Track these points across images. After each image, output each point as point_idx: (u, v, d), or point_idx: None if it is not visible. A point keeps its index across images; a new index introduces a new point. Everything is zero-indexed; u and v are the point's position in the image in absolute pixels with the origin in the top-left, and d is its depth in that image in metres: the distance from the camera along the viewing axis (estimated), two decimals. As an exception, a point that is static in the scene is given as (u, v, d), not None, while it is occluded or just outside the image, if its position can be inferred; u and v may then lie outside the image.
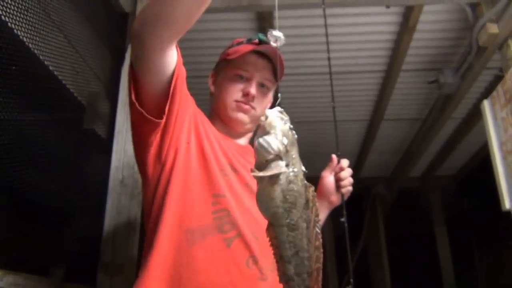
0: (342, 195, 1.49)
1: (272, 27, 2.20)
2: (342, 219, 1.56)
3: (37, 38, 1.42)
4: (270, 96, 1.41)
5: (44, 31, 1.46)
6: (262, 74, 1.34)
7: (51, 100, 1.60)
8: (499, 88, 1.83)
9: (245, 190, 1.22)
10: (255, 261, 1.11)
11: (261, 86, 1.35)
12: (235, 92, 1.33)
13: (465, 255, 4.15)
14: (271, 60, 1.35)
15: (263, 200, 0.75)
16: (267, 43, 1.31)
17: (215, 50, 2.40)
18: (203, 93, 2.61)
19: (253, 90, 1.32)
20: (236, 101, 1.32)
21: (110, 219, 1.78)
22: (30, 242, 1.49)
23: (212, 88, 1.41)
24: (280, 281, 0.78)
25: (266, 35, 1.32)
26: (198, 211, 1.14)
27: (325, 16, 1.42)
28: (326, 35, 1.41)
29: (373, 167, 3.95)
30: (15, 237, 1.41)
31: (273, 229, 0.76)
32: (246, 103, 1.32)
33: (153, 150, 1.14)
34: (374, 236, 4.37)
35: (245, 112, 1.33)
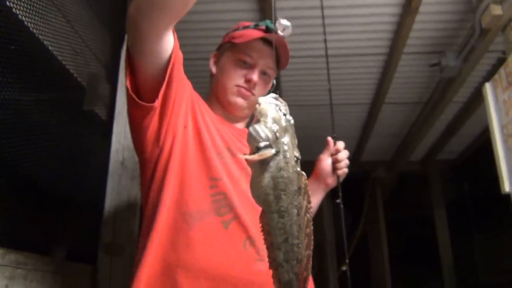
0: (338, 177, 1.50)
1: (271, 6, 2.18)
2: (338, 201, 1.58)
3: (36, 18, 1.40)
4: (270, 84, 1.41)
5: (43, 11, 1.45)
6: (265, 62, 1.35)
7: (50, 80, 1.59)
8: (501, 70, 1.81)
9: (242, 174, 1.23)
10: (252, 243, 1.12)
11: (263, 74, 1.36)
12: (237, 77, 1.33)
13: (464, 239, 4.18)
14: (275, 48, 1.34)
15: (254, 187, 0.75)
16: (273, 31, 1.32)
17: (214, 32, 2.40)
18: (201, 75, 2.61)
19: (255, 77, 1.32)
20: (238, 86, 1.33)
21: (110, 200, 1.79)
22: (31, 221, 1.50)
23: (213, 69, 1.41)
24: (270, 267, 0.78)
25: (273, 22, 1.33)
26: (196, 194, 1.14)
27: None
28: (323, 16, 1.42)
29: (374, 151, 3.95)
30: (16, 217, 1.42)
31: (265, 215, 0.76)
32: (247, 90, 1.33)
33: (150, 134, 1.15)
34: (373, 220, 4.40)
35: (244, 98, 1.33)
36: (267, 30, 1.35)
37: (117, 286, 1.72)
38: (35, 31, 1.44)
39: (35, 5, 1.40)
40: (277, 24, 1.37)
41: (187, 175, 1.16)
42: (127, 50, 1.08)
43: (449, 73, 2.36)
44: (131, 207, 1.80)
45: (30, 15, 1.37)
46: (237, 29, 1.40)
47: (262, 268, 1.18)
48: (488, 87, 1.92)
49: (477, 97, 2.74)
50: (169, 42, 1.06)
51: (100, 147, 1.83)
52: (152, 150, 1.16)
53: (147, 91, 1.10)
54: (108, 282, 1.72)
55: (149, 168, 1.18)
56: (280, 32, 1.35)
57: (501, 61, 1.83)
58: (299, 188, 0.76)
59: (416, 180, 4.36)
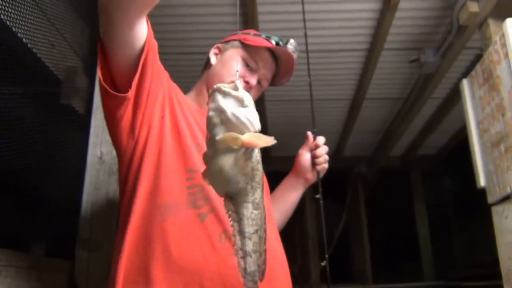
0: (318, 172, 1.51)
1: (254, 3, 2.18)
2: (317, 196, 1.59)
3: (10, 9, 1.38)
4: (259, 95, 1.44)
5: (17, 2, 1.42)
6: (265, 73, 1.38)
7: (25, 74, 1.56)
8: (478, 67, 1.84)
9: None
10: (228, 236, 1.11)
11: (258, 83, 1.38)
12: (237, 74, 1.34)
13: (443, 233, 4.25)
14: (276, 64, 1.41)
15: (233, 173, 0.74)
16: (282, 47, 1.37)
17: (196, 26, 2.39)
18: (184, 70, 2.59)
19: (254, 81, 1.35)
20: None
21: (88, 195, 1.77)
22: (9, 218, 1.47)
23: (212, 60, 1.40)
24: (236, 255, 0.78)
25: (282, 39, 1.40)
26: (172, 186, 1.13)
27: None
28: (303, 12, 1.44)
29: (355, 146, 3.98)
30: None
31: (235, 203, 0.76)
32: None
33: (124, 125, 1.13)
34: (355, 214, 4.44)
35: None
36: (277, 45, 1.38)
37: (94, 281, 1.71)
38: (8, 22, 1.41)
39: (8, -4, 1.37)
40: (290, 43, 1.42)
41: (163, 166, 1.15)
42: (100, 40, 1.06)
43: (428, 69, 2.38)
44: (109, 202, 1.79)
45: (3, 6, 1.34)
46: (249, 33, 1.42)
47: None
48: (465, 83, 1.95)
49: (456, 93, 2.77)
50: (142, 31, 1.04)
51: (78, 141, 1.81)
52: (128, 142, 1.15)
53: (121, 81, 1.09)
54: (85, 277, 1.71)
55: (125, 160, 1.17)
56: (291, 51, 1.40)
57: (479, 58, 1.86)
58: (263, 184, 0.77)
59: (397, 175, 4.41)
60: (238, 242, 0.76)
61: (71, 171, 1.79)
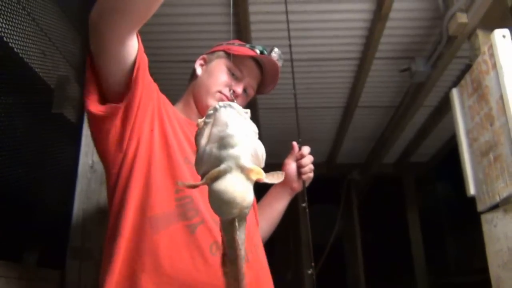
0: (303, 181, 1.53)
1: (246, 10, 2.20)
2: (304, 205, 1.60)
3: (0, 18, 1.38)
4: (245, 103, 1.45)
5: (8, 10, 1.43)
6: (251, 81, 1.41)
7: (16, 82, 1.56)
8: (467, 77, 1.86)
9: None
10: (219, 247, 1.12)
11: (244, 91, 1.40)
12: (222, 84, 1.36)
13: (436, 240, 4.26)
14: (261, 73, 1.44)
15: (247, 198, 0.72)
16: (266, 55, 1.40)
17: (190, 34, 2.40)
18: (178, 78, 2.60)
19: (240, 89, 1.38)
20: (220, 92, 1.35)
21: (79, 204, 1.77)
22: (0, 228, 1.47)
23: (198, 71, 1.42)
24: (233, 263, 0.78)
25: (266, 49, 1.43)
26: (161, 199, 1.14)
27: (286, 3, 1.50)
28: (287, 21, 1.48)
29: (348, 154, 3.99)
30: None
31: (234, 228, 0.75)
32: (228, 98, 1.35)
33: (112, 138, 1.14)
34: (348, 221, 4.45)
35: None
36: (261, 54, 1.40)
37: (85, 291, 1.70)
38: (1, 33, 1.41)
39: (-2, 5, 1.38)
40: (274, 51, 1.45)
41: (152, 180, 1.15)
42: (89, 54, 1.07)
43: (419, 78, 2.40)
44: (101, 211, 1.78)
45: (-7, 16, 1.35)
46: (233, 43, 1.44)
47: (229, 274, 1.20)
48: (455, 93, 1.97)
49: (447, 102, 2.79)
50: (133, 47, 1.05)
51: (69, 150, 1.81)
52: (115, 154, 1.15)
53: (110, 95, 1.10)
54: (76, 286, 1.70)
55: (113, 173, 1.17)
56: (276, 59, 1.42)
57: (468, 67, 1.88)
58: None
59: (390, 182, 4.43)
60: (234, 267, 0.74)
61: (62, 180, 1.79)
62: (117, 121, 1.12)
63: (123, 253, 1.09)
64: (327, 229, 4.19)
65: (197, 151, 0.75)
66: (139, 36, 1.08)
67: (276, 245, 4.48)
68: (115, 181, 1.16)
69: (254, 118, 3.10)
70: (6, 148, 1.48)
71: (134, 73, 1.07)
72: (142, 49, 1.10)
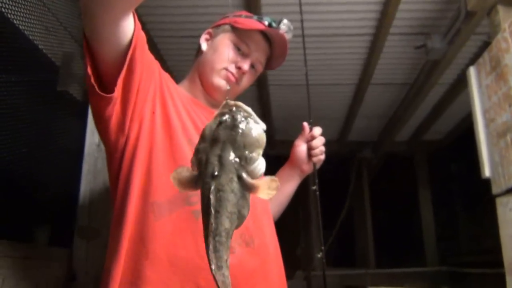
0: (314, 164, 1.48)
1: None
2: (314, 187, 1.56)
3: (3, -4, 1.34)
4: (254, 79, 1.39)
5: (9, -14, 1.39)
6: (259, 56, 1.34)
7: (20, 60, 1.53)
8: (485, 55, 1.78)
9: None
10: None
11: (252, 67, 1.33)
12: (228, 60, 1.30)
13: (447, 218, 4.22)
14: (270, 46, 1.35)
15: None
16: (275, 28, 1.32)
17: (197, 9, 2.34)
18: (187, 54, 2.54)
19: (246, 66, 1.30)
20: (226, 69, 1.29)
21: (86, 183, 1.75)
22: (10, 208, 1.46)
23: (203, 46, 1.36)
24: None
25: (275, 20, 1.34)
26: (164, 184, 1.10)
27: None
28: None
29: (360, 132, 3.93)
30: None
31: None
32: (234, 76, 1.29)
33: (113, 123, 1.10)
34: (359, 199, 4.42)
35: (229, 83, 1.30)
36: (270, 26, 1.33)
37: (93, 269, 1.71)
38: (3, 9, 1.38)
39: (0, -19, 1.33)
40: (282, 23, 1.37)
41: (154, 164, 1.12)
42: (85, 37, 1.02)
43: (435, 55, 2.32)
44: (107, 190, 1.76)
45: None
46: (240, 16, 1.37)
47: (233, 261, 1.17)
48: (472, 71, 1.89)
49: (463, 79, 2.71)
50: (129, 27, 0.99)
51: (75, 128, 1.79)
52: (117, 140, 1.12)
53: (110, 78, 1.05)
54: (84, 265, 1.71)
55: (115, 158, 1.14)
56: (284, 32, 1.34)
57: (486, 44, 1.80)
58: None
59: (402, 160, 4.37)
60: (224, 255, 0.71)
61: (69, 159, 1.77)
62: (117, 107, 1.08)
63: (127, 241, 1.07)
64: (337, 205, 4.19)
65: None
66: (135, 14, 1.02)
67: (285, 220, 4.47)
68: (118, 166, 1.13)
69: (264, 94, 3.05)
70: (10, 127, 1.46)
71: (129, 54, 1.01)
72: (139, 27, 1.04)
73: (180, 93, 1.27)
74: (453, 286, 3.63)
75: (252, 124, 0.67)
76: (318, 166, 1.51)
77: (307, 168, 1.50)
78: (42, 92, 1.66)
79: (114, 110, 1.09)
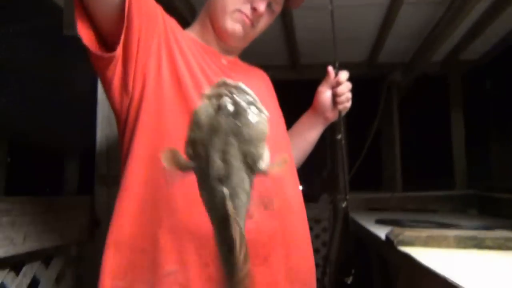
0: (339, 111, 1.40)
1: None
2: (339, 137, 1.48)
3: None
4: (272, 20, 1.26)
5: None
6: None
7: (21, 4, 1.43)
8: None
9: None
10: None
11: (269, 6, 1.20)
12: (241, 1, 1.16)
13: (480, 141, 4.08)
14: None
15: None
16: None
17: None
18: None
19: (262, 7, 1.18)
20: (240, 11, 1.17)
21: (101, 130, 1.71)
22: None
23: None
24: None
25: None
26: (176, 146, 1.04)
27: None
28: None
29: (391, 53, 3.71)
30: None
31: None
32: (248, 18, 1.17)
33: (116, 83, 1.02)
34: (387, 122, 4.29)
35: (244, 26, 1.18)
36: None
37: (115, 215, 1.72)
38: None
39: None
40: None
41: (164, 124, 1.05)
42: None
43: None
44: (124, 137, 1.73)
45: None
46: None
47: (250, 226, 1.14)
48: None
49: (507, -2, 2.45)
50: None
51: (87, 74, 1.71)
52: (122, 99, 1.05)
53: (108, 36, 0.96)
54: (106, 212, 1.72)
55: (121, 120, 1.07)
56: None
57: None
58: None
59: (435, 81, 4.16)
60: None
61: (84, 106, 1.72)
62: (119, 66, 1.00)
63: (137, 206, 1.03)
64: (364, 127, 4.09)
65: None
66: None
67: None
68: (123, 130, 1.07)
69: (288, 19, 2.84)
70: (17, 79, 1.40)
71: (126, 9, 0.91)
72: None
73: (189, 41, 1.16)
74: (482, 210, 3.60)
75: (257, 113, 0.57)
76: (343, 114, 1.43)
77: (332, 116, 1.41)
78: (48, 37, 1.57)
79: (115, 70, 1.01)
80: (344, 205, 1.49)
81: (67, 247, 1.60)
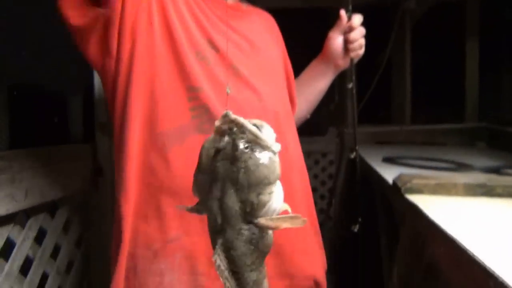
0: (351, 59, 1.32)
1: None
2: (350, 86, 1.41)
3: None
4: None
5: None
6: None
7: None
8: None
9: (229, 75, 1.03)
10: None
11: None
12: None
13: (494, 74, 3.94)
14: None
15: None
16: None
17: None
18: None
19: None
20: None
21: (98, 78, 1.64)
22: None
23: None
24: None
25: None
26: (172, 111, 0.98)
27: None
28: None
29: (405, -21, 3.48)
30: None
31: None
32: None
33: (97, 47, 0.94)
34: (399, 53, 4.13)
35: None
36: None
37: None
38: None
39: None
40: None
41: (158, 87, 0.98)
42: None
43: None
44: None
45: None
46: None
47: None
48: None
49: None
50: None
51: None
52: (104, 62, 0.97)
53: None
54: (109, 161, 1.70)
55: (108, 82, 1.00)
56: None
57: None
58: None
59: (450, 8, 3.94)
60: None
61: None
62: (99, 23, 0.91)
63: (135, 172, 0.99)
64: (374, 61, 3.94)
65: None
66: None
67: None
68: (111, 92, 1.00)
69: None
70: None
71: None
72: None
73: None
74: (491, 143, 3.56)
75: (258, 153, 0.50)
76: (355, 62, 1.34)
77: (343, 64, 1.33)
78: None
79: (95, 26, 0.92)
80: (353, 155, 1.45)
81: (71, 197, 1.59)
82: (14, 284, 1.33)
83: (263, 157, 0.51)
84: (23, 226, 1.37)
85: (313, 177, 3.81)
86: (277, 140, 1.13)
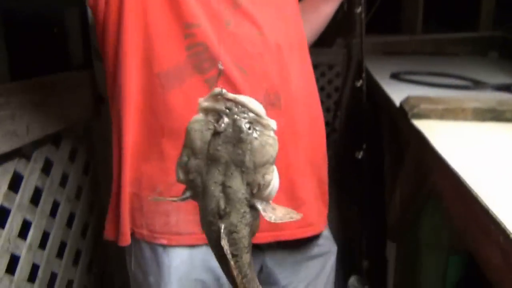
0: None
1: None
2: (358, 10, 1.34)
3: None
4: None
5: None
6: None
7: None
8: None
9: (227, 7, 0.96)
10: None
11: None
12: None
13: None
14: None
15: None
16: None
17: None
18: None
19: None
20: None
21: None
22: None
23: None
24: None
25: None
26: (169, 49, 0.93)
27: None
28: None
29: None
30: None
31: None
32: None
33: None
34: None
35: None
36: None
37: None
38: None
39: None
40: None
41: (152, 25, 0.93)
42: None
43: None
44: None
45: None
46: None
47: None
48: None
49: None
50: None
51: None
52: (95, 3, 0.91)
53: None
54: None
55: (98, 20, 0.94)
56: None
57: None
58: None
59: None
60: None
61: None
62: None
63: (134, 114, 0.97)
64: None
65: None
66: None
67: None
68: (102, 31, 0.95)
69: None
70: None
71: None
72: None
73: None
74: (503, 53, 3.44)
75: (262, 133, 0.46)
76: None
77: None
78: None
79: None
80: (359, 84, 1.40)
81: (75, 127, 1.59)
82: (27, 214, 1.38)
83: (267, 137, 0.49)
84: (28, 159, 1.37)
85: (320, 89, 3.76)
86: (278, 75, 1.09)
